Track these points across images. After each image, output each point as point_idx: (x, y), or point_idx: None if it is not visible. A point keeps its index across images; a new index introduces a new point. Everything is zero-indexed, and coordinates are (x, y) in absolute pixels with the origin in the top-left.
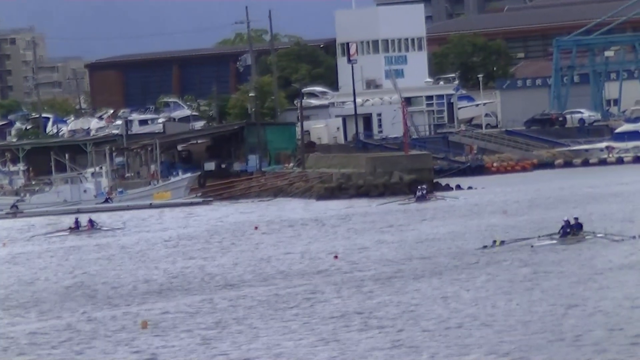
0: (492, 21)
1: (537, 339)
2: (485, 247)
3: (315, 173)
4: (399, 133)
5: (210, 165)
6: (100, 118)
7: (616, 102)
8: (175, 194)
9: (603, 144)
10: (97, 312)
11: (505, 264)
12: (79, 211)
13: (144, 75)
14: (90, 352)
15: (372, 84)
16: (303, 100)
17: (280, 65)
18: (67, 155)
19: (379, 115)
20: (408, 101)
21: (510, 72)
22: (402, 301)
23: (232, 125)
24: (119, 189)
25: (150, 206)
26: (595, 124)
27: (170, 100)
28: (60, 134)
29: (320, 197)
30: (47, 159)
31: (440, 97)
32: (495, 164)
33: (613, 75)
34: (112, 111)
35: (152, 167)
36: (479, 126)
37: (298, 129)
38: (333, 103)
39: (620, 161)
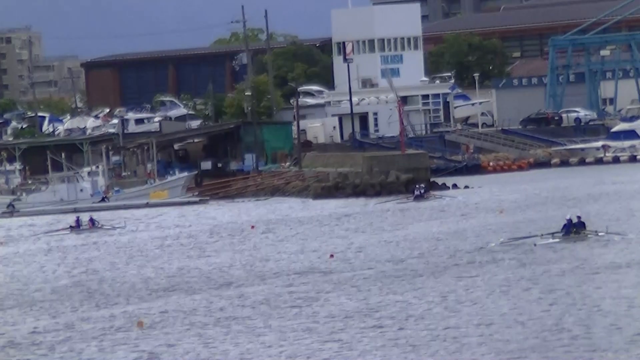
0: (488, 20)
1: (535, 338)
2: (502, 242)
3: (312, 172)
4: (395, 132)
5: (206, 165)
6: (97, 117)
7: (612, 101)
8: (171, 193)
9: (599, 143)
10: (94, 311)
11: (505, 262)
12: (75, 210)
13: (140, 74)
14: (86, 351)
15: (368, 83)
16: (299, 100)
17: (276, 65)
18: (63, 154)
19: (375, 114)
20: (404, 100)
21: (506, 71)
22: (399, 300)
23: (229, 124)
24: (116, 188)
25: (147, 205)
26: (591, 123)
27: (166, 99)
28: (56, 133)
29: (317, 196)
30: (43, 158)
31: (436, 96)
32: (491, 163)
33: (609, 74)
34: (108, 110)
35: (149, 166)
36: (475, 125)
37: (294, 128)
38: (329, 102)
39: (616, 160)
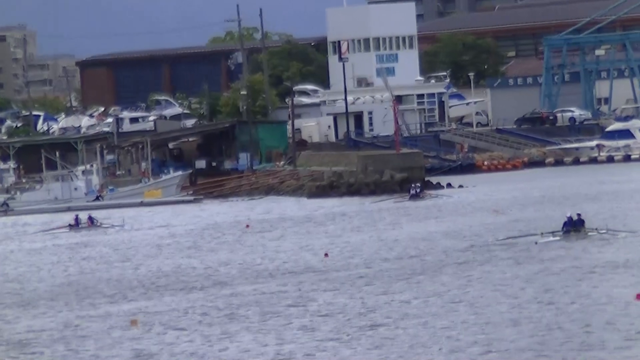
0: (482, 20)
1: (532, 336)
2: (501, 240)
3: (307, 171)
4: (390, 131)
5: (201, 163)
6: (91, 116)
7: (607, 100)
8: (166, 192)
9: (593, 143)
10: (88, 310)
11: (505, 260)
12: (69, 209)
13: (135, 73)
14: (80, 350)
15: (363, 82)
16: (294, 99)
17: (272, 64)
18: (57, 153)
19: (370, 113)
20: (399, 99)
21: (501, 70)
22: (395, 299)
23: (223, 123)
24: (110, 187)
25: (141, 204)
26: (585, 122)
27: (161, 98)
28: (50, 131)
29: (312, 195)
30: (37, 157)
31: (431, 95)
32: (486, 163)
33: (604, 74)
34: (102, 109)
35: (143, 165)
36: (470, 124)
37: (289, 127)
38: (324, 101)
39: (610, 160)
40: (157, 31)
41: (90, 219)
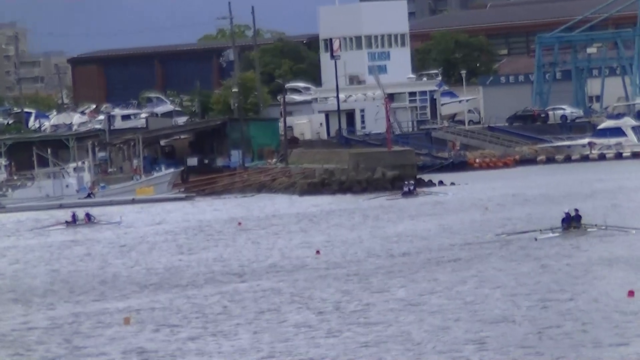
0: (474, 18)
1: (528, 334)
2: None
3: (298, 169)
4: (382, 129)
5: (193, 161)
6: (83, 113)
7: (598, 98)
8: (157, 189)
9: (585, 141)
10: (81, 307)
11: (500, 257)
12: (61, 206)
13: (127, 71)
14: (72, 348)
15: (355, 80)
16: (286, 96)
17: (263, 61)
18: (49, 150)
19: (362, 111)
20: (391, 97)
21: (493, 68)
22: (387, 297)
23: (215, 120)
24: (102, 184)
25: (133, 201)
26: (577, 120)
27: (153, 95)
28: (42, 128)
29: (303, 192)
30: (29, 154)
31: (423, 93)
32: (477, 160)
33: (595, 72)
34: (94, 106)
35: (135, 162)
36: (462, 122)
37: (281, 125)
38: (316, 99)
39: (602, 157)
40: (149, 29)
41: (88, 215)
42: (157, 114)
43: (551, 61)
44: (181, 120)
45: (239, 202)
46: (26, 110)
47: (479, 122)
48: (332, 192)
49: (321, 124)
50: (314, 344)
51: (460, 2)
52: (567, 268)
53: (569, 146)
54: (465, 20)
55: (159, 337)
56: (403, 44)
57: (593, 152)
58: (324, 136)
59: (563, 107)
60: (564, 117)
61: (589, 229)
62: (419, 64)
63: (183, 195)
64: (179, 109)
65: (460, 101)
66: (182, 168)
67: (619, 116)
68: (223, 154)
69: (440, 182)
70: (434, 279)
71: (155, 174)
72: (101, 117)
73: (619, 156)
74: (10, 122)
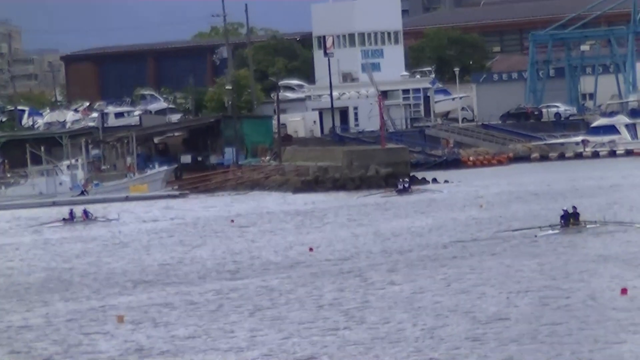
0: (468, 15)
1: (523, 332)
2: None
3: (292, 166)
4: (376, 126)
5: (186, 158)
6: (76, 110)
7: (592, 96)
8: (151, 186)
9: (579, 138)
10: (74, 305)
11: (506, 252)
12: (54, 204)
13: (120, 68)
14: (65, 346)
15: (348, 78)
16: (280, 94)
17: (257, 59)
18: (42, 148)
19: (356, 108)
20: (384, 95)
21: (486, 66)
22: (377, 294)
23: (209, 118)
24: (95, 182)
25: (127, 199)
26: (570, 118)
27: (146, 92)
28: (35, 126)
29: (297, 190)
30: (22, 152)
31: (416, 90)
32: (471, 158)
33: (589, 70)
34: (88, 104)
35: (128, 159)
36: (456, 120)
37: (275, 122)
38: (310, 96)
39: (595, 155)
40: (142, 26)
41: (85, 212)
42: (150, 112)
43: (544, 59)
44: (175, 117)
45: (232, 200)
46: (19, 107)
47: (472, 120)
48: (325, 190)
49: (315, 121)
50: (309, 342)
51: (453, 0)
52: (567, 265)
53: (562, 144)
54: (458, 18)
55: (152, 335)
56: (396, 42)
57: (586, 149)
58: (318, 134)
59: (557, 104)
60: (557, 114)
61: (589, 225)
62: (413, 62)
63: (177, 192)
64: (173, 106)
65: (453, 99)
66: (176, 165)
67: (612, 114)
68: (217, 152)
69: (434, 180)
70: (430, 276)
71: (149, 172)
72: (95, 114)
73: (612, 154)
74: (3, 120)
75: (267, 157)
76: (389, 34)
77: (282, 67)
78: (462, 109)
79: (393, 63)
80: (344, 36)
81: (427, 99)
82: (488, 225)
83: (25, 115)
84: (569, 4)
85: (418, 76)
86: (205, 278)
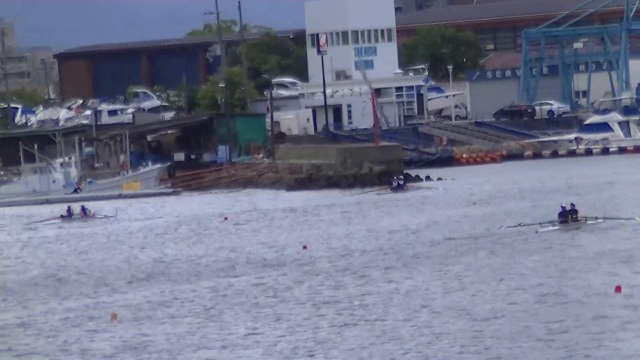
0: (461, 13)
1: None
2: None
3: (285, 164)
4: (369, 124)
5: (179, 156)
6: (69, 108)
7: (585, 93)
8: (144, 184)
9: (572, 136)
10: (68, 302)
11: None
12: (48, 201)
13: (113, 66)
14: (59, 344)
15: (341, 75)
16: (273, 91)
17: (250, 56)
18: (35, 146)
19: (349, 106)
20: (378, 92)
21: (479, 63)
22: (372, 291)
23: (202, 116)
24: (88, 179)
25: (120, 197)
26: (564, 115)
27: (139, 90)
28: (29, 124)
29: (290, 188)
30: (15, 149)
31: (410, 88)
32: (464, 155)
33: (582, 67)
34: (81, 101)
35: (122, 157)
36: (449, 117)
37: (268, 120)
38: (303, 94)
39: (588, 152)
40: (135, 24)
41: (83, 209)
42: (144, 109)
43: (538, 56)
44: (168, 115)
45: (226, 198)
46: (13, 105)
47: (465, 118)
48: (319, 188)
49: (308, 119)
50: (304, 340)
51: None
52: (562, 263)
53: (555, 141)
54: (451, 15)
55: (146, 332)
56: (389, 39)
57: (580, 147)
58: (311, 131)
59: (550, 102)
60: (550, 112)
61: (588, 222)
62: (406, 59)
63: (170, 190)
64: (166, 104)
65: (447, 96)
66: (169, 163)
67: (605, 111)
68: (210, 150)
69: (427, 178)
70: (425, 274)
71: (142, 169)
72: (88, 112)
73: (605, 151)
74: None
75: (261, 155)
76: (382, 31)
77: (275, 65)
78: (456, 106)
79: (386, 61)
80: (337, 34)
81: (420, 97)
82: (485, 223)
83: (19, 113)
84: (562, 2)
85: (411, 74)
86: (199, 275)
